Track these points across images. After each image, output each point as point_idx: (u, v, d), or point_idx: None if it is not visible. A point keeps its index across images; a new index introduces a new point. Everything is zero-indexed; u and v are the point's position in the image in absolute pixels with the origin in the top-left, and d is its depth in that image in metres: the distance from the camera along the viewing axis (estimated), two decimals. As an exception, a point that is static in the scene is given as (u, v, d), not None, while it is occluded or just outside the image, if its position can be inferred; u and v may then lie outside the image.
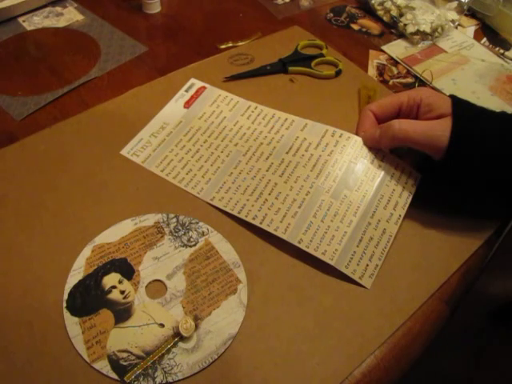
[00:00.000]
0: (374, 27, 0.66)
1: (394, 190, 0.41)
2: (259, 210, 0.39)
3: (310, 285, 0.36)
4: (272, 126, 0.46)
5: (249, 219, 0.39)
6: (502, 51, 0.64)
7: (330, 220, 0.38)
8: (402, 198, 0.40)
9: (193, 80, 0.51)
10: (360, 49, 0.61)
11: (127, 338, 0.32)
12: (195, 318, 0.34)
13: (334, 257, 0.37)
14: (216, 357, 0.32)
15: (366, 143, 0.42)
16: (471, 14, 0.70)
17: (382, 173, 0.41)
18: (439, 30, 0.63)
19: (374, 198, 0.40)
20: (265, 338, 0.33)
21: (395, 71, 0.58)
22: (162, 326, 0.33)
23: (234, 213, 0.39)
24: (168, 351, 0.32)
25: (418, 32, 0.62)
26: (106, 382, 0.30)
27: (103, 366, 0.31)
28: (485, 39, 0.67)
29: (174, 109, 0.48)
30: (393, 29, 0.65)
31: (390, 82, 0.57)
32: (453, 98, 0.39)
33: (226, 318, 0.34)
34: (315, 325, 0.34)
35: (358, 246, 0.38)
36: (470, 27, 0.69)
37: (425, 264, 0.39)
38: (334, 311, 0.35)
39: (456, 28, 0.67)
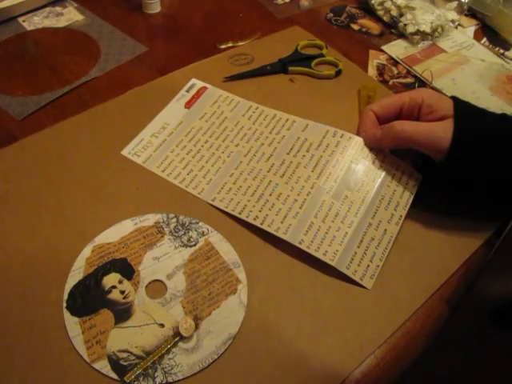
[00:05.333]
0: (374, 27, 0.66)
1: (394, 190, 0.41)
2: (260, 211, 0.39)
3: (310, 285, 0.36)
4: (273, 126, 0.46)
5: (250, 220, 0.39)
6: (502, 51, 0.64)
7: (331, 221, 0.38)
8: (403, 198, 0.40)
9: (194, 80, 0.51)
10: (360, 49, 0.61)
11: (127, 338, 0.32)
12: (195, 318, 0.34)
13: (334, 257, 0.37)
14: (216, 357, 0.32)
15: (367, 144, 0.42)
16: (471, 14, 0.70)
17: (383, 173, 0.41)
18: (439, 29, 0.63)
19: (375, 198, 0.40)
20: (265, 338, 0.33)
21: (395, 71, 0.58)
22: (162, 325, 0.33)
23: (235, 213, 0.39)
24: (168, 351, 0.32)
25: (418, 32, 0.62)
26: (105, 382, 0.30)
27: (103, 366, 0.31)
28: (485, 39, 0.67)
29: (174, 109, 0.48)
30: (393, 29, 0.65)
31: (390, 82, 0.57)
32: (454, 99, 0.39)
33: (226, 318, 0.34)
34: (315, 325, 0.34)
35: (359, 247, 0.37)
36: (470, 27, 0.69)
37: (425, 264, 0.39)
38: (334, 311, 0.35)
39: (456, 28, 0.67)
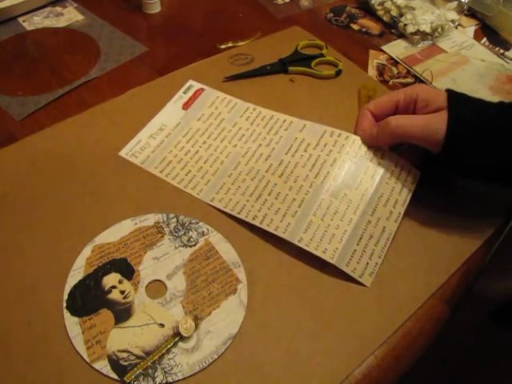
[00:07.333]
0: (374, 27, 0.66)
1: (393, 187, 0.41)
2: (259, 210, 0.39)
3: (310, 285, 0.36)
4: (271, 127, 0.46)
5: (249, 219, 0.39)
6: (502, 51, 0.64)
7: (330, 218, 0.38)
8: (402, 195, 0.41)
9: (191, 82, 0.51)
10: (360, 49, 0.61)
11: (127, 338, 0.32)
12: (195, 318, 0.34)
13: (334, 255, 0.37)
14: (216, 357, 0.32)
15: (364, 142, 0.42)
16: (471, 14, 0.70)
17: (382, 170, 0.41)
18: (439, 30, 0.63)
19: (373, 195, 0.40)
20: (265, 338, 0.33)
21: (395, 71, 0.58)
22: (162, 325, 0.33)
23: (234, 213, 0.39)
24: (168, 351, 0.32)
25: (418, 32, 0.62)
26: (105, 382, 0.30)
27: (103, 366, 0.31)
28: (485, 39, 0.67)
29: (172, 110, 0.48)
30: (393, 29, 0.65)
31: (390, 82, 0.57)
32: (449, 91, 0.39)
33: (226, 318, 0.34)
34: (315, 325, 0.34)
35: (358, 245, 0.38)
36: (470, 27, 0.69)
37: (425, 264, 0.39)
38: (334, 311, 0.35)
39: (456, 28, 0.67)
